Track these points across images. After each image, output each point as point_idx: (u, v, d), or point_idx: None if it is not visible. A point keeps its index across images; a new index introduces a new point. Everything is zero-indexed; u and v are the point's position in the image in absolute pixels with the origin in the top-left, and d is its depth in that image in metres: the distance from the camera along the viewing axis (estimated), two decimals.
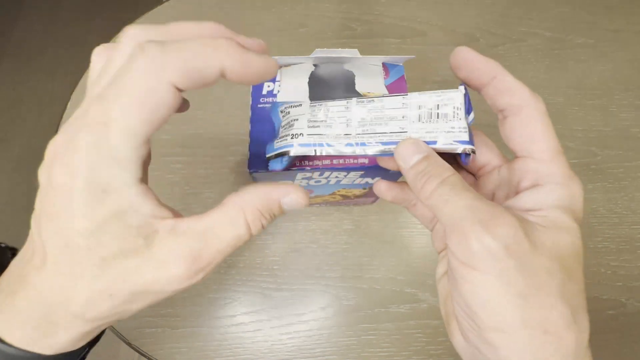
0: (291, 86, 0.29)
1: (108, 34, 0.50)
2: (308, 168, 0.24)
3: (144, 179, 0.16)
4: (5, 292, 0.17)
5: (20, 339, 0.16)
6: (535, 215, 0.18)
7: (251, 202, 0.17)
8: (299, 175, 0.26)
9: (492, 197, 0.21)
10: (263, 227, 0.18)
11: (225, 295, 0.37)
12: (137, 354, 0.35)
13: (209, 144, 0.43)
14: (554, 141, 0.19)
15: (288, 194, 0.18)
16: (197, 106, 0.46)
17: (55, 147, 0.15)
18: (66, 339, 0.17)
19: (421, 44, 0.52)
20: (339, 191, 0.32)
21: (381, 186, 0.24)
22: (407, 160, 0.19)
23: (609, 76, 0.51)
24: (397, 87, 0.30)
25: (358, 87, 0.29)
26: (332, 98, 0.23)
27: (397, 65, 0.31)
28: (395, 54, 0.51)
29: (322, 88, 0.29)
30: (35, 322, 0.16)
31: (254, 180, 0.26)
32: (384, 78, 0.30)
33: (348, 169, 0.25)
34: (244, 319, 0.37)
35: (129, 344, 0.35)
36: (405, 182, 0.24)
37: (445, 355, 0.36)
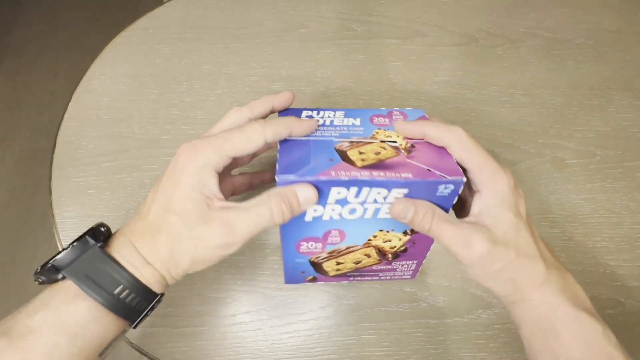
0: None
1: (108, 35, 0.50)
2: (344, 178, 0.24)
3: (222, 178, 0.26)
4: (141, 238, 0.25)
5: (147, 279, 0.25)
6: (483, 219, 0.26)
7: (275, 190, 0.24)
8: (333, 191, 0.25)
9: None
10: (284, 213, 0.24)
11: (226, 294, 0.38)
12: (137, 353, 0.35)
13: None
14: (476, 153, 0.26)
15: (303, 185, 0.24)
16: (197, 106, 0.46)
17: (182, 151, 0.27)
18: (165, 285, 0.26)
19: (421, 44, 0.52)
20: (374, 238, 0.29)
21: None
22: (404, 216, 0.26)
23: (608, 77, 0.51)
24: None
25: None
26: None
27: (417, 110, 0.31)
28: (396, 54, 0.51)
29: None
30: (159, 271, 0.25)
31: None
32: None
33: (389, 185, 0.24)
34: (244, 318, 0.37)
35: (130, 343, 0.35)
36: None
37: (445, 354, 0.36)
